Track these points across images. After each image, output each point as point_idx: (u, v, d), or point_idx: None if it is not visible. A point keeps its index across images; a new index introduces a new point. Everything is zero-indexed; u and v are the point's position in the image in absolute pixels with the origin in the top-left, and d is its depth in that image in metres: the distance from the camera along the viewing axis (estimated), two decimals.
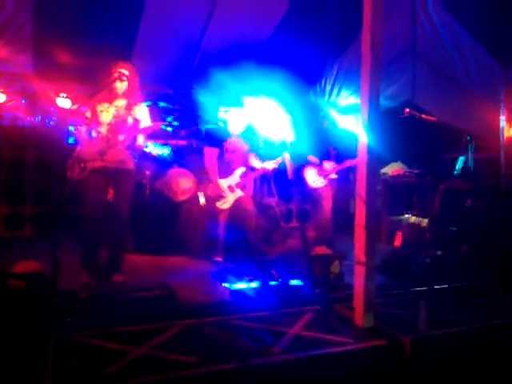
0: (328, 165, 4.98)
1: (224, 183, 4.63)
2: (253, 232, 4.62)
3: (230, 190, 4.62)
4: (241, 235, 4.60)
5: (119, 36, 4.97)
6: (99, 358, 2.51)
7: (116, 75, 3.69)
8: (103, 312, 3.15)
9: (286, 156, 4.76)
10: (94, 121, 3.78)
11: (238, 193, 4.65)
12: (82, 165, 3.69)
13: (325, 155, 5.07)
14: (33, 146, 5.40)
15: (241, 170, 4.72)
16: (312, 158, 5.04)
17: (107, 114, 3.75)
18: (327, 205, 4.96)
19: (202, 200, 5.20)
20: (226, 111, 6.55)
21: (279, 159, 4.81)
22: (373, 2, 3.06)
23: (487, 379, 2.78)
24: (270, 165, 4.80)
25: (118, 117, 3.74)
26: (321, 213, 4.96)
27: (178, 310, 3.25)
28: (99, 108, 3.77)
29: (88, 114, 3.81)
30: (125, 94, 3.81)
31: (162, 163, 5.77)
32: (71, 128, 5.20)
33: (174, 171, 5.61)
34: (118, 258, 3.89)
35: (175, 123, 6.30)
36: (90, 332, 2.81)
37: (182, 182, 5.56)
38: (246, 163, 4.80)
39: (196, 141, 6.21)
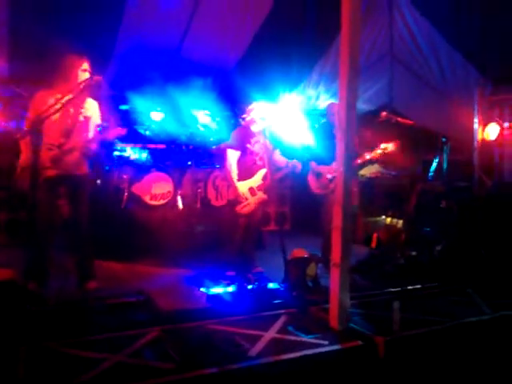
0: (330, 168, 4.62)
1: (244, 186, 4.25)
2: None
3: (252, 192, 4.26)
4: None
5: (98, 40, 4.92)
6: (72, 366, 2.49)
7: (81, 72, 3.47)
8: (78, 319, 3.11)
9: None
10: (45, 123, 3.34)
11: (261, 195, 4.30)
12: (33, 174, 3.21)
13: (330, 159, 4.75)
14: (7, 151, 5.29)
15: (263, 172, 4.33)
16: (313, 165, 4.77)
17: (56, 114, 3.38)
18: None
19: (180, 204, 5.16)
20: (207, 114, 6.56)
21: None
22: (351, 14, 3.09)
23: (460, 378, 2.84)
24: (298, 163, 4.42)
25: (68, 116, 3.50)
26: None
27: (155, 316, 3.24)
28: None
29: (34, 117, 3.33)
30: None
31: (140, 167, 5.69)
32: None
33: (152, 175, 5.54)
34: (87, 265, 3.76)
35: (155, 127, 6.24)
36: (64, 340, 2.78)
37: (159, 187, 5.49)
38: (269, 164, 4.36)
39: (176, 144, 6.17)
